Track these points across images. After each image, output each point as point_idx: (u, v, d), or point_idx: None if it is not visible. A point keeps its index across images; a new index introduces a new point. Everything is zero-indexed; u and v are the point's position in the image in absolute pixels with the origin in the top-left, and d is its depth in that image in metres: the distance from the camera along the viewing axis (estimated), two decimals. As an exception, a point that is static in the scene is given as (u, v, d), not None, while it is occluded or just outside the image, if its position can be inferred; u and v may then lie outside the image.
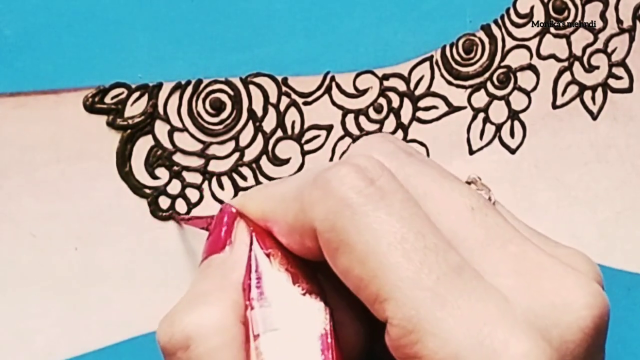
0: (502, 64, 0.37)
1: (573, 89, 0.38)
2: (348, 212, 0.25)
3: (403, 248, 0.25)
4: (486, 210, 0.27)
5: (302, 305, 0.27)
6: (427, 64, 0.36)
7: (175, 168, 0.34)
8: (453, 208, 0.27)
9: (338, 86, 0.35)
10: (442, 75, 0.37)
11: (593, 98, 0.39)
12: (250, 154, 0.35)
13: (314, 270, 0.28)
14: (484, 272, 0.25)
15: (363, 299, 0.25)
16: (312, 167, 0.30)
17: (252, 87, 0.34)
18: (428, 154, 0.37)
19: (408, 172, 0.27)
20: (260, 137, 0.35)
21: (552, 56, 0.38)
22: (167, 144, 0.34)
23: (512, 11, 0.37)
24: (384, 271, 0.25)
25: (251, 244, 0.28)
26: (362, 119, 0.36)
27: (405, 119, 0.36)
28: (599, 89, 0.39)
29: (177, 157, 0.34)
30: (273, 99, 0.35)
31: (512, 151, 0.38)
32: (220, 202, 0.34)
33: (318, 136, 0.35)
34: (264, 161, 0.35)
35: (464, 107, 0.37)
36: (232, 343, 0.26)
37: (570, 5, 0.38)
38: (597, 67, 0.38)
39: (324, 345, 0.26)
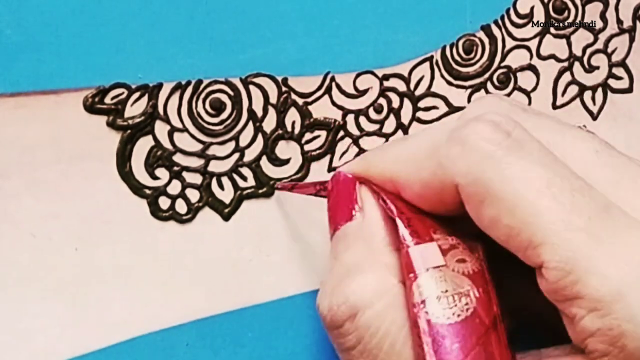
0: (502, 64, 0.37)
1: (573, 89, 0.38)
2: (491, 164, 0.26)
3: (551, 192, 0.26)
4: (609, 151, 0.28)
5: (450, 250, 0.28)
6: (427, 64, 0.36)
7: (175, 168, 0.34)
8: (579, 153, 0.28)
9: (338, 86, 0.35)
10: (442, 76, 0.37)
11: (593, 98, 0.39)
12: (250, 154, 0.35)
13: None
14: (624, 208, 0.26)
15: (513, 247, 0.26)
16: (429, 129, 0.31)
17: (252, 88, 0.34)
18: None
19: (528, 127, 0.28)
20: (260, 137, 0.35)
21: (552, 56, 0.38)
22: (167, 144, 0.34)
23: (512, 11, 0.37)
24: (535, 217, 0.25)
25: (386, 204, 0.29)
26: (362, 119, 0.36)
27: (405, 120, 0.36)
28: (599, 89, 0.39)
29: (177, 158, 0.34)
30: (273, 99, 0.35)
31: (512, 151, 0.38)
32: (221, 201, 0.34)
33: (318, 136, 0.35)
34: (264, 161, 0.35)
35: (464, 108, 0.37)
36: (395, 302, 0.27)
37: (570, 5, 0.38)
38: (597, 68, 0.38)
39: (482, 280, 0.27)
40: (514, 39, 0.37)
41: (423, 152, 0.28)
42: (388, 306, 0.27)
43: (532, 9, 0.37)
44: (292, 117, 0.35)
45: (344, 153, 0.36)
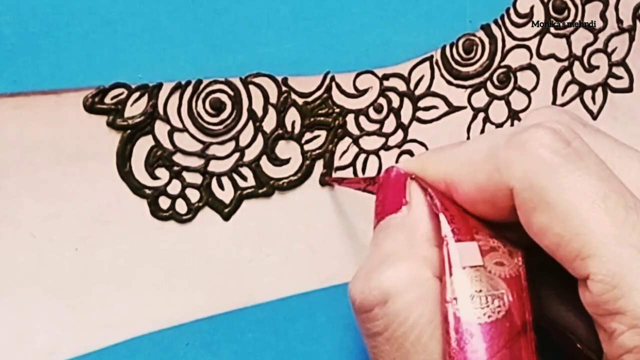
0: (502, 63, 0.37)
1: (573, 89, 0.38)
2: (548, 171, 0.26)
3: (605, 206, 0.26)
4: None
5: (490, 252, 0.28)
6: (427, 64, 0.36)
7: (176, 168, 0.34)
8: (634, 174, 0.28)
9: (338, 86, 0.35)
10: (442, 75, 0.37)
11: (593, 98, 0.39)
12: (250, 154, 0.35)
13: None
14: None
15: (561, 256, 0.26)
16: (488, 133, 0.31)
17: (252, 87, 0.34)
18: (428, 154, 0.37)
19: (586, 141, 0.28)
20: (260, 137, 0.35)
21: (552, 56, 0.38)
22: (167, 144, 0.34)
23: (512, 11, 0.37)
24: (587, 228, 0.25)
25: (432, 200, 0.29)
26: (362, 119, 0.36)
27: (405, 119, 0.36)
28: (599, 89, 0.39)
29: (177, 158, 0.34)
30: (273, 99, 0.35)
31: (512, 151, 0.38)
32: (221, 201, 0.34)
33: (318, 136, 0.35)
34: (264, 161, 0.35)
35: (464, 107, 0.37)
36: (427, 296, 0.27)
37: (570, 5, 0.38)
38: (597, 67, 0.38)
39: (518, 286, 0.27)
40: (514, 38, 0.37)
41: (480, 155, 0.28)
42: (420, 298, 0.27)
43: (532, 8, 0.37)
44: (292, 116, 0.35)
45: (344, 153, 0.36)
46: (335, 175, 0.35)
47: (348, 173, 0.36)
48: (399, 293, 0.27)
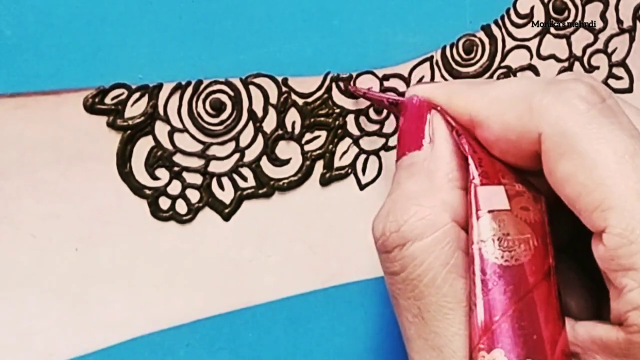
0: (503, 64, 0.37)
1: (573, 89, 0.38)
2: (582, 121, 0.27)
3: (633, 162, 0.26)
4: None
5: (516, 196, 0.28)
6: (427, 64, 0.36)
7: (176, 169, 0.34)
8: None
9: (338, 86, 0.35)
10: (442, 76, 0.37)
11: (593, 98, 0.39)
12: (250, 155, 0.35)
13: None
14: None
15: (581, 206, 0.26)
16: (524, 77, 0.31)
17: (252, 88, 0.34)
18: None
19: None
20: (260, 137, 0.35)
21: (552, 56, 0.38)
22: (167, 145, 0.34)
23: (512, 11, 0.37)
24: (612, 180, 0.26)
25: (460, 139, 0.29)
26: (362, 120, 0.36)
27: (405, 120, 0.36)
28: (599, 89, 0.39)
29: (178, 158, 0.34)
30: (273, 99, 0.35)
31: (512, 151, 0.38)
32: (221, 202, 0.34)
33: (318, 136, 0.35)
34: (264, 162, 0.35)
35: (464, 108, 0.37)
36: (444, 240, 0.28)
37: (570, 5, 0.38)
38: (597, 68, 0.38)
39: (542, 231, 0.28)
40: (514, 39, 0.37)
41: (512, 95, 0.29)
42: (436, 242, 0.28)
43: (532, 9, 0.37)
44: (292, 117, 0.35)
45: (344, 153, 0.36)
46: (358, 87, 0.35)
47: (348, 174, 0.36)
48: (416, 237, 0.28)
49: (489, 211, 0.28)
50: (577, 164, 0.26)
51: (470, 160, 0.29)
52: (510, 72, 0.37)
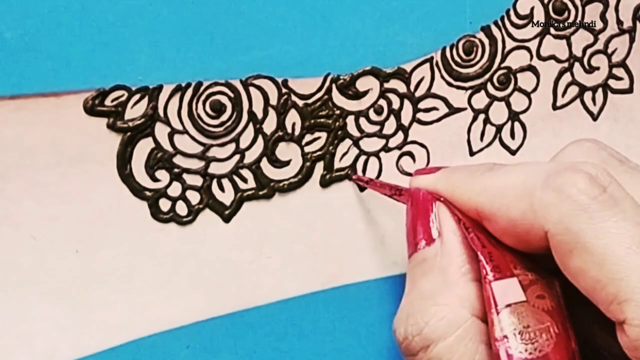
0: (502, 65, 0.37)
1: (573, 90, 0.38)
2: (585, 217, 0.27)
3: None
4: None
5: (530, 285, 0.29)
6: (427, 65, 0.36)
7: (176, 170, 0.34)
8: None
9: (338, 88, 0.35)
10: (442, 77, 0.37)
11: (593, 99, 0.39)
12: (250, 156, 0.35)
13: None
14: None
15: (597, 299, 0.27)
16: (521, 166, 0.31)
17: (252, 89, 0.34)
18: (428, 156, 0.37)
19: (623, 180, 0.29)
20: (260, 139, 0.35)
21: (552, 57, 0.38)
22: (167, 147, 0.34)
23: (512, 12, 0.37)
24: (623, 273, 0.26)
25: (468, 233, 0.30)
26: (362, 121, 0.36)
27: (405, 121, 0.36)
28: (599, 90, 0.39)
29: (178, 160, 0.34)
30: (273, 100, 0.35)
31: (513, 152, 0.38)
32: (221, 203, 0.34)
33: (318, 138, 0.35)
34: (264, 163, 0.35)
35: (465, 109, 0.37)
36: (467, 337, 0.28)
37: (570, 6, 0.38)
38: (598, 68, 0.38)
39: (561, 317, 0.28)
40: (514, 39, 0.37)
41: (515, 190, 0.29)
42: (459, 339, 0.28)
43: (532, 9, 0.37)
44: (293, 118, 0.35)
45: (344, 154, 0.36)
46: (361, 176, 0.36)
47: (348, 175, 0.36)
48: (440, 337, 0.29)
49: (507, 305, 0.28)
50: (587, 260, 0.27)
51: (481, 257, 0.29)
52: (510, 73, 0.37)
